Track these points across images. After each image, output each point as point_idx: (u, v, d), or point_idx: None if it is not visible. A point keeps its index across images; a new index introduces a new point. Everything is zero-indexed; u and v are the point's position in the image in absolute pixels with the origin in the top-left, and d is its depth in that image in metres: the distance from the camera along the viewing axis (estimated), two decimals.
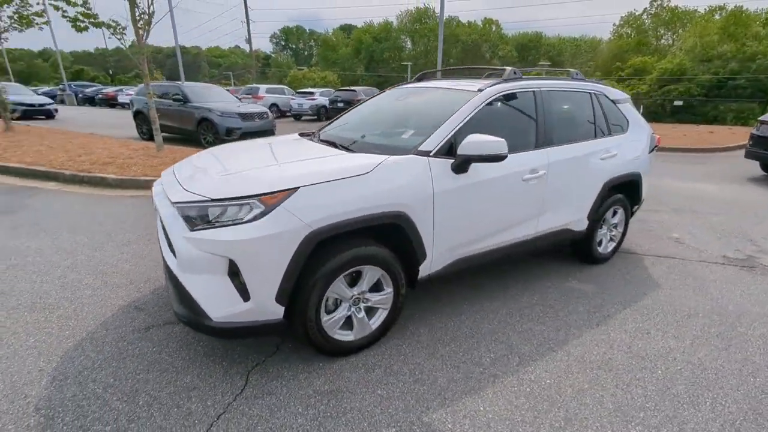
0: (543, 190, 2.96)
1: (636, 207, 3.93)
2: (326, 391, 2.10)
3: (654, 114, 25.46)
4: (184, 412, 1.94)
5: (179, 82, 12.20)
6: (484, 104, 2.72)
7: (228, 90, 15.40)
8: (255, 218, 1.94)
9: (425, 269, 2.54)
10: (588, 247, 3.61)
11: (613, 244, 3.86)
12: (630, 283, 3.42)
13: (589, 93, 3.47)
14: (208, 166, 2.49)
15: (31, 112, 16.69)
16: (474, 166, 2.54)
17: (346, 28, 64.89)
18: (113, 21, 7.08)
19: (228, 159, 2.61)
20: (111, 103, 28.53)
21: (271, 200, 1.97)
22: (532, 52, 46.45)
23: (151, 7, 7.03)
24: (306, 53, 74.94)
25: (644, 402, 2.09)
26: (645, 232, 4.70)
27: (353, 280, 2.30)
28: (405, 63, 40.58)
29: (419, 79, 3.77)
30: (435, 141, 2.47)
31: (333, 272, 2.13)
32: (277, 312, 2.04)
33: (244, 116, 10.27)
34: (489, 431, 1.89)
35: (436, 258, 2.56)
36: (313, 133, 3.39)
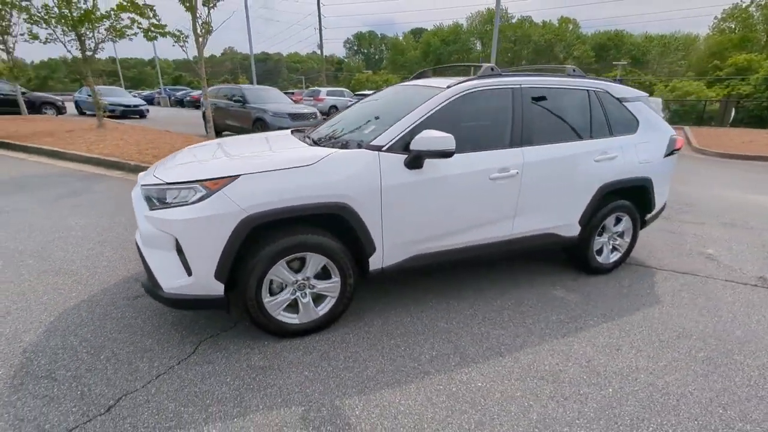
0: (516, 190, 2.83)
1: (649, 216, 3.57)
2: (259, 366, 2.25)
3: (758, 118, 22.31)
4: (132, 369, 2.20)
5: (241, 85, 13.26)
6: (448, 101, 2.69)
7: (296, 92, 16.44)
8: (197, 201, 2.15)
9: (376, 262, 2.58)
10: (583, 255, 3.37)
11: (617, 255, 3.54)
12: (625, 297, 3.13)
13: (587, 90, 3.22)
14: (185, 157, 2.77)
15: (127, 112, 19.18)
16: (434, 163, 2.53)
17: (417, 32, 65.30)
18: (177, 31, 7.95)
19: (202, 151, 2.88)
20: (196, 104, 31.67)
21: (213, 186, 2.17)
22: (612, 52, 42.95)
23: (209, 17, 7.77)
24: (377, 57, 76.68)
25: (575, 418, 1.95)
26: (673, 245, 4.24)
27: (299, 266, 2.42)
28: (470, 65, 39.82)
29: (417, 77, 3.79)
30: (389, 136, 2.51)
31: (273, 256, 2.27)
32: (217, 288, 2.23)
33: (294, 116, 10.87)
34: (394, 422, 1.90)
35: (388, 252, 2.59)
36: (305, 129, 3.58)
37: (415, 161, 2.47)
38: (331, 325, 2.62)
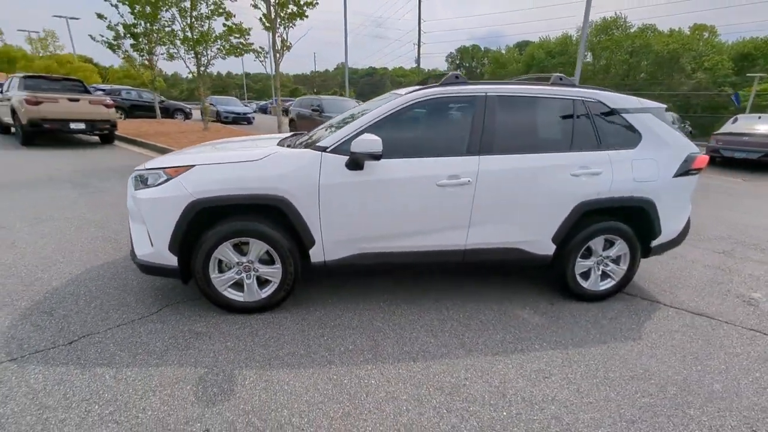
0: (469, 199, 2.76)
1: (656, 243, 3.12)
2: (197, 331, 2.59)
3: None
4: (105, 317, 2.71)
5: (321, 96, 14.39)
6: (402, 108, 2.76)
7: None
8: (159, 184, 2.59)
9: (317, 255, 2.76)
10: (561, 278, 3.09)
11: (610, 282, 3.16)
12: (598, 328, 2.81)
13: (572, 100, 2.97)
14: (183, 152, 3.28)
15: (237, 119, 22.08)
16: (375, 165, 2.64)
17: (523, 45, 63.00)
18: (260, 48, 9.06)
19: (199, 147, 3.37)
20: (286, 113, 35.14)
21: (173, 173, 2.59)
22: (761, 62, 36.03)
23: (285, 34, 8.72)
24: (478, 71, 75.74)
25: (447, 429, 1.89)
26: (710, 282, 3.60)
27: (246, 250, 2.72)
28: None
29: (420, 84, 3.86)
30: (334, 138, 2.69)
31: (219, 238, 2.61)
32: (172, 260, 2.64)
33: None
34: (271, 397, 2.05)
35: (329, 247, 2.75)
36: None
37: (353, 162, 2.60)
38: (275, 308, 2.86)
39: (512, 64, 54.82)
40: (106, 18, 14.00)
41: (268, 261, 2.75)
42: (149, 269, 2.71)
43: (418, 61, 38.54)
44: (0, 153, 8.98)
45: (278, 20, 8.51)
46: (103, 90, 18.84)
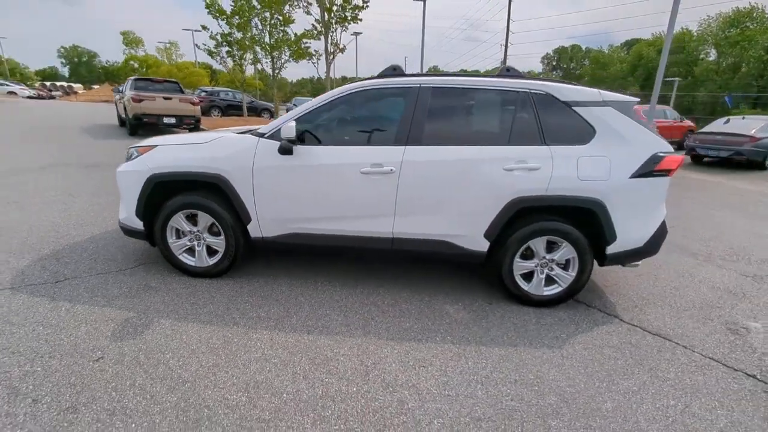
0: (393, 188, 2.81)
1: (612, 251, 2.81)
2: (149, 285, 3.04)
3: None
4: (93, 266, 3.30)
5: None
6: (335, 98, 2.92)
7: None
8: (131, 160, 3.11)
9: (254, 231, 3.05)
10: (498, 277, 2.96)
11: (557, 288, 2.93)
12: (520, 332, 2.65)
13: (516, 92, 2.82)
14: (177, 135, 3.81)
15: None
16: (304, 151, 2.85)
17: (633, 43, 56.85)
18: (315, 51, 9.75)
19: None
20: None
21: (142, 151, 3.09)
22: None
23: (337, 39, 9.26)
24: (577, 72, 70.26)
25: (292, 391, 2.03)
26: (699, 306, 3.11)
27: (196, 222, 3.11)
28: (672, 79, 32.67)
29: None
30: (272, 126, 2.95)
31: (172, 208, 3.04)
32: (139, 225, 3.14)
33: None
34: (168, 342, 2.37)
35: (264, 224, 3.02)
36: None
37: (283, 148, 2.83)
38: (221, 275, 3.22)
39: (615, 65, 49.84)
40: (209, 29, 16.11)
41: (216, 233, 3.12)
42: (125, 231, 3.26)
43: (504, 63, 37.05)
44: (112, 141, 10.92)
45: (331, 25, 9.10)
46: (206, 91, 21.63)
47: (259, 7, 12.31)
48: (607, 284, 3.43)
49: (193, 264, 3.18)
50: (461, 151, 2.78)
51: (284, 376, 2.14)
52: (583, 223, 2.81)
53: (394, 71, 2.98)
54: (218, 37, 15.82)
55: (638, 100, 3.02)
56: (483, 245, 2.88)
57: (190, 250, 3.18)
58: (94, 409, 1.84)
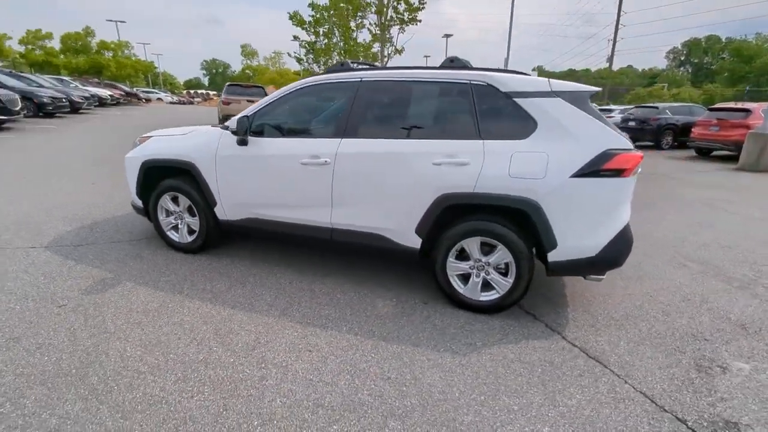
0: (328, 179, 2.88)
1: (555, 258, 2.50)
2: (139, 255, 3.56)
3: None
4: (111, 236, 3.98)
5: None
6: (288, 93, 3.09)
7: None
8: (134, 147, 3.68)
9: (220, 214, 3.37)
10: (434, 275, 2.83)
11: (494, 294, 2.70)
12: (433, 334, 2.52)
13: (455, 84, 2.65)
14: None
15: None
16: (258, 143, 3.10)
17: None
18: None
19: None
20: None
21: (141, 141, 3.64)
22: None
23: (395, 40, 9.44)
24: (711, 66, 60.11)
25: (180, 352, 2.27)
26: (678, 335, 2.59)
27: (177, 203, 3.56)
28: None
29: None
30: (235, 119, 3.24)
31: (160, 190, 3.52)
32: (140, 203, 3.70)
33: None
34: (118, 299, 2.79)
35: (227, 208, 3.32)
36: None
37: (240, 139, 3.10)
38: (197, 252, 3.62)
39: (764, 56, 41.42)
40: (299, 38, 17.57)
41: (194, 214, 3.52)
42: (134, 208, 3.86)
43: (610, 60, 33.42)
44: None
45: (387, 27, 9.32)
46: None
47: (335, 18, 13.14)
48: (583, 298, 3.03)
49: (177, 240, 3.64)
50: (392, 145, 2.75)
51: (184, 340, 2.38)
52: (513, 223, 2.56)
53: (342, 66, 3.05)
54: (305, 45, 17.21)
55: (596, 90, 2.63)
56: (415, 241, 2.80)
57: (176, 228, 3.65)
58: (30, 342, 2.29)
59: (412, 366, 2.23)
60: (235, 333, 2.48)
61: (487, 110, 2.60)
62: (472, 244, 2.67)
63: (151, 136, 3.63)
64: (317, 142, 2.96)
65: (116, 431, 1.72)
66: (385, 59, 10.08)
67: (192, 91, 60.88)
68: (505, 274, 2.67)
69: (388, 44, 9.71)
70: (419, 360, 2.28)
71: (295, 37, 17.76)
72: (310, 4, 14.18)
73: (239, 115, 3.19)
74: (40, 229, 4.01)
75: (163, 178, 3.54)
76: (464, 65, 2.77)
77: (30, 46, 47.93)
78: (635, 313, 2.87)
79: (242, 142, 3.10)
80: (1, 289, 2.85)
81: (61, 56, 49.01)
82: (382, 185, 2.78)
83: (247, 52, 59.47)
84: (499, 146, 2.52)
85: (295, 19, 14.59)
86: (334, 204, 2.94)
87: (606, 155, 2.35)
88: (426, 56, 54.93)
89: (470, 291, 2.76)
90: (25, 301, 2.72)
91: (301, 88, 3.08)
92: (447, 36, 29.58)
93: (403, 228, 2.79)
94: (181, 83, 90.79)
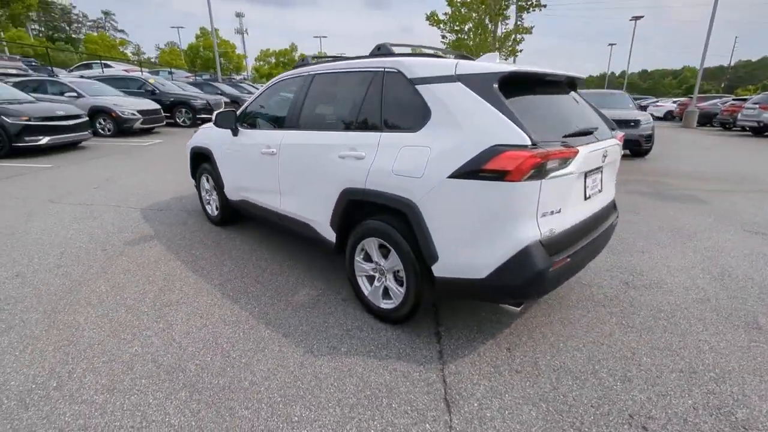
0: (276, 168, 3.06)
1: (442, 274, 2.09)
2: (184, 222, 4.47)
3: None
4: (177, 218, 5.08)
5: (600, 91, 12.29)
6: (268, 89, 3.39)
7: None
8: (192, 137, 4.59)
9: (227, 193, 3.94)
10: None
11: (391, 303, 2.43)
12: (307, 327, 2.46)
13: (373, 72, 2.42)
14: None
15: None
16: (243, 134, 3.53)
17: None
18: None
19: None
20: None
21: (196, 131, 4.52)
22: None
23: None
24: None
25: (93, 310, 2.88)
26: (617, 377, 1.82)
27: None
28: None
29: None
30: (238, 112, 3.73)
31: (200, 171, 4.33)
32: (193, 181, 4.62)
33: (619, 122, 9.42)
34: (131, 252, 3.65)
35: (229, 189, 3.87)
36: None
37: (233, 130, 3.58)
38: (223, 225, 4.29)
39: None
40: (446, 36, 17.76)
41: (218, 192, 4.22)
42: (195, 186, 4.84)
43: (702, 59, 21.99)
44: None
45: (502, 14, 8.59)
46: None
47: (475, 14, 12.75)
48: (535, 334, 2.41)
49: (209, 213, 4.42)
50: (312, 137, 2.76)
51: (138, 285, 2.99)
52: (398, 224, 2.25)
53: (302, 61, 3.16)
54: (450, 44, 17.22)
55: (510, 70, 2.00)
56: (331, 234, 2.74)
57: (209, 203, 4.43)
58: (44, 266, 3.26)
59: (260, 352, 2.27)
60: (166, 290, 2.95)
61: (392, 99, 2.35)
62: (371, 245, 2.47)
63: (198, 129, 4.48)
64: (272, 133, 3.18)
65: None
66: (501, 50, 9.31)
67: None
68: (401, 283, 2.38)
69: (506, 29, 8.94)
70: (272, 350, 2.30)
71: (443, 37, 17.95)
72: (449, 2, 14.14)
73: (240, 108, 3.67)
74: (149, 198, 5.41)
75: (203, 161, 4.34)
76: (389, 52, 2.53)
77: (261, 62, 61.65)
78: (569, 365, 2.14)
79: (234, 133, 3.57)
80: (84, 227, 4.07)
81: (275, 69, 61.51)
82: (307, 176, 2.82)
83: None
84: (392, 139, 2.27)
85: (432, 19, 14.72)
86: (281, 191, 3.13)
87: (488, 153, 1.85)
88: (611, 44, 47.57)
89: (373, 295, 2.56)
90: (89, 241, 3.82)
91: (275, 84, 3.35)
92: (636, 18, 25.00)
93: (323, 220, 2.77)
94: None
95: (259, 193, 3.44)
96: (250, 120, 3.55)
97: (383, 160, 2.26)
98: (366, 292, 2.60)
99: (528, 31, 10.28)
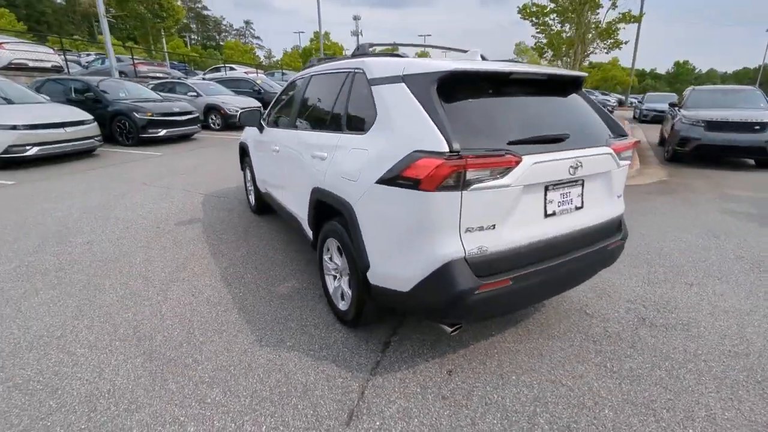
0: (279, 165, 3.24)
1: (376, 283, 2.01)
2: (230, 209, 4.98)
3: None
4: (224, 206, 5.65)
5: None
6: (283, 90, 3.59)
7: None
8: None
9: (258, 184, 4.28)
10: None
11: (345, 304, 2.41)
12: (263, 322, 2.57)
13: (345, 73, 2.38)
14: None
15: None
16: (265, 131, 3.81)
17: None
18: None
19: None
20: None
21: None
22: None
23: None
24: None
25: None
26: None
27: None
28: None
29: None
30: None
31: (243, 166, 4.78)
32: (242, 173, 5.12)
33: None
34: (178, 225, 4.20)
35: (258, 182, 4.21)
36: None
37: (259, 126, 3.89)
38: (261, 214, 4.68)
39: None
40: (546, 28, 16.44)
41: None
42: None
43: None
44: None
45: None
46: None
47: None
48: (499, 357, 2.19)
49: (249, 202, 4.86)
50: (300, 136, 2.86)
51: (161, 262, 3.45)
52: (343, 225, 2.22)
53: (310, 63, 3.26)
54: (549, 37, 15.81)
55: (448, 69, 1.77)
56: (309, 231, 2.82)
57: (250, 193, 4.85)
58: (108, 237, 3.93)
59: (217, 334, 2.45)
60: (185, 268, 3.34)
61: (354, 100, 2.32)
62: (332, 245, 2.48)
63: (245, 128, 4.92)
64: (278, 132, 3.37)
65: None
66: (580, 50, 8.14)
67: None
68: (348, 284, 2.36)
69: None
70: (229, 333, 2.46)
71: (542, 30, 16.52)
72: None
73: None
74: (216, 185, 6.13)
75: (245, 155, 4.77)
76: (364, 53, 2.48)
77: None
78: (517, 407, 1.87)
79: (260, 130, 3.87)
80: (155, 207, 4.81)
81: None
82: (293, 173, 2.95)
83: (520, 50, 57.96)
84: (347, 140, 2.24)
85: (525, 12, 13.48)
86: (283, 186, 3.32)
87: (408, 159, 1.72)
88: None
89: (334, 295, 2.57)
90: (152, 219, 4.50)
91: (288, 84, 3.54)
92: None
93: (303, 216, 2.87)
94: None
95: (273, 186, 3.68)
96: (271, 118, 3.81)
97: (337, 162, 2.26)
98: (330, 291, 2.62)
99: (636, 18, 8.88)
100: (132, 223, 4.38)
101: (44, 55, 13.89)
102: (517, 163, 1.73)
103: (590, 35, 11.79)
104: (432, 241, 1.74)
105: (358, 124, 2.26)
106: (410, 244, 1.81)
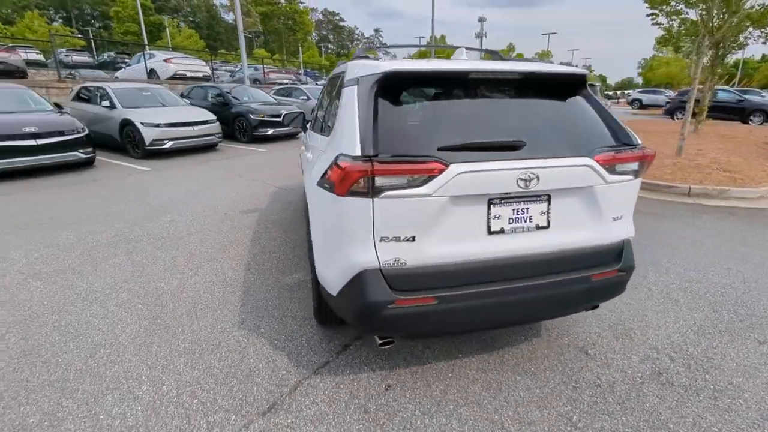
0: (305, 165, 3.44)
1: (319, 277, 2.02)
2: (273, 196, 5.42)
3: None
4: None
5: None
6: (322, 89, 3.76)
7: None
8: None
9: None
10: None
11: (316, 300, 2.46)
12: (248, 316, 2.75)
13: (338, 75, 2.40)
14: None
15: None
16: (308, 132, 4.07)
17: None
18: None
19: None
20: None
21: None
22: None
23: None
24: None
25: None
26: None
27: None
28: None
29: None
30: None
31: None
32: None
33: None
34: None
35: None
36: None
37: (303, 127, 4.16)
38: None
39: None
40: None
41: None
42: None
43: None
44: None
45: None
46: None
47: None
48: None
49: None
50: (311, 138, 2.98)
51: (209, 243, 3.96)
52: None
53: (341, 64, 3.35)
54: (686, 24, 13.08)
55: (385, 70, 1.61)
56: None
57: None
58: (185, 218, 4.63)
59: (202, 311, 2.73)
60: (224, 250, 3.79)
61: (336, 103, 2.35)
62: None
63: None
64: (308, 134, 3.55)
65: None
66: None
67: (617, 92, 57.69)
68: None
69: None
70: (212, 310, 2.73)
71: (682, 20, 13.68)
72: None
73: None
74: (290, 179, 6.70)
75: None
76: (365, 55, 2.48)
77: None
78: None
79: (304, 131, 4.14)
80: (234, 195, 5.52)
81: None
82: (305, 176, 3.10)
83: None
84: (323, 143, 2.29)
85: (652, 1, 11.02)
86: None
87: (332, 162, 1.69)
88: None
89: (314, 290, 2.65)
90: (225, 205, 5.18)
91: (322, 88, 3.69)
92: None
93: None
94: (612, 84, 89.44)
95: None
96: (309, 121, 4.04)
97: (315, 164, 2.33)
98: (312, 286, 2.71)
99: None
100: (209, 208, 5.09)
101: (198, 66, 16.92)
102: (441, 171, 1.57)
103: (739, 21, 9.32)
104: (347, 247, 1.69)
105: (330, 126, 2.29)
106: (335, 248, 1.79)
